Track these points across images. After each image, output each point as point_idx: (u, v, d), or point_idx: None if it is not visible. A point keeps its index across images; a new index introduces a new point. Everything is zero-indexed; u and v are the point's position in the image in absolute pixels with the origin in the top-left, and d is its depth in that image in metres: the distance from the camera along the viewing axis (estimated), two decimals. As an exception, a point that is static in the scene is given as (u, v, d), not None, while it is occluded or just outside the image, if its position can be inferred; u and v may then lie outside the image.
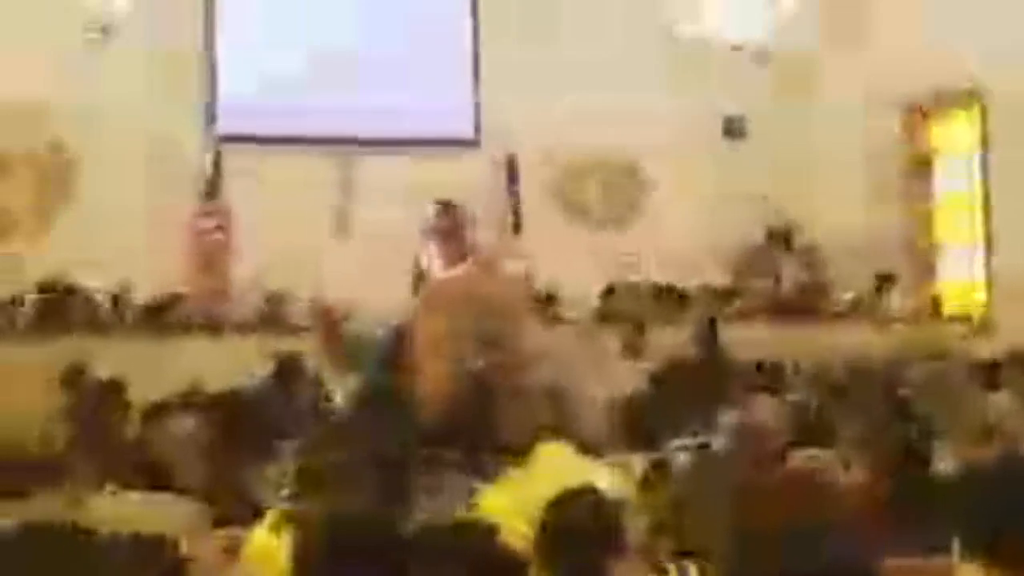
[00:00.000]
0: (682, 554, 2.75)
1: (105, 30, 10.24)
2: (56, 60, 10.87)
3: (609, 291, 11.49)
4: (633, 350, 9.93)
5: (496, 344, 8.64)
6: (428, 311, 8.83)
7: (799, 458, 4.80)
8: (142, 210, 10.88)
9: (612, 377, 8.87)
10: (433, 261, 9.45)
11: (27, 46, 10.85)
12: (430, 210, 9.62)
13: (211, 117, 11.77)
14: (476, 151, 12.57)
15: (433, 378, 7.84)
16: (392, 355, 8.91)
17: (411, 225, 10.23)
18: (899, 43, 12.27)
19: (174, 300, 10.23)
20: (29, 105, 10.93)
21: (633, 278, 11.57)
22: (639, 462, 4.89)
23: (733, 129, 13.43)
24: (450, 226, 9.61)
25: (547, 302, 10.95)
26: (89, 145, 11.23)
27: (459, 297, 8.82)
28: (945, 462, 4.18)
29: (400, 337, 9.22)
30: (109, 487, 4.16)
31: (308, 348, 8.86)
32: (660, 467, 4.74)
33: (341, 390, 8.15)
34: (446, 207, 9.73)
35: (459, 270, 9.32)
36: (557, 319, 10.82)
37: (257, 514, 3.81)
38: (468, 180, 11.08)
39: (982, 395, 5.81)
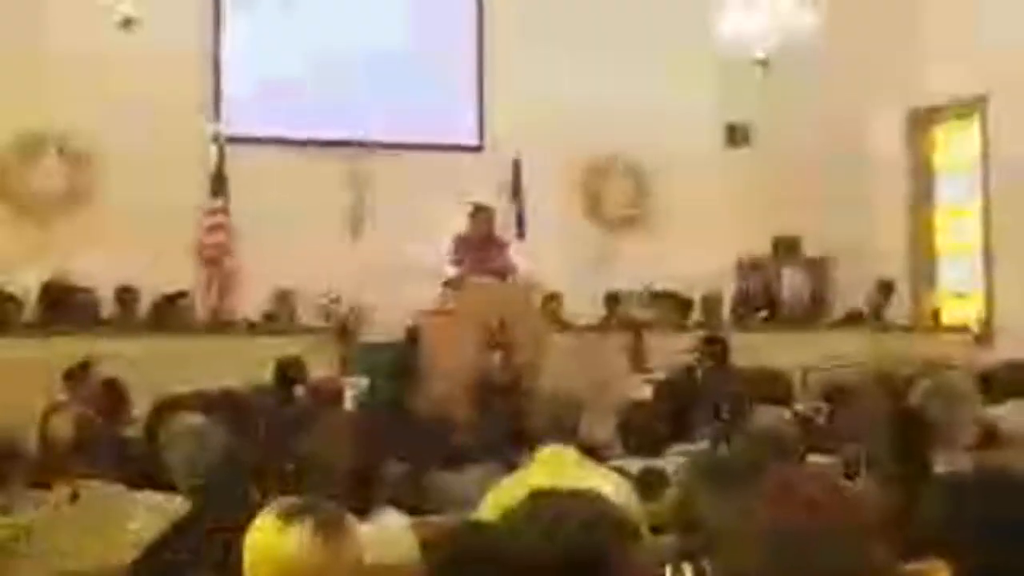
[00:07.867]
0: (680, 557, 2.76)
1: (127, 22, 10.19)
2: (70, 63, 10.88)
3: (613, 298, 11.46)
4: (636, 357, 9.91)
5: (512, 353, 8.70)
6: (449, 323, 8.88)
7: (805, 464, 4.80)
8: (149, 209, 10.82)
9: (617, 384, 8.88)
10: (459, 262, 9.40)
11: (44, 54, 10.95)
12: (464, 211, 9.59)
13: (217, 117, 11.71)
14: (480, 155, 12.57)
15: (453, 384, 7.87)
16: (403, 365, 8.92)
17: (418, 226, 10.29)
18: (903, 51, 12.29)
19: (179, 299, 10.20)
20: (45, 106, 10.95)
21: (637, 285, 11.54)
22: (638, 467, 4.90)
23: (736, 137, 13.41)
24: (485, 228, 9.61)
25: (551, 301, 10.92)
26: (97, 145, 11.21)
27: (479, 310, 8.86)
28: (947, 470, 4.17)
29: (411, 347, 9.24)
30: (110, 485, 4.16)
31: (316, 348, 8.86)
32: (658, 472, 4.75)
33: (351, 393, 8.18)
34: (480, 209, 9.69)
35: (485, 277, 9.33)
36: (563, 324, 10.79)
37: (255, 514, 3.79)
38: (472, 185, 11.07)
39: (985, 404, 5.80)
